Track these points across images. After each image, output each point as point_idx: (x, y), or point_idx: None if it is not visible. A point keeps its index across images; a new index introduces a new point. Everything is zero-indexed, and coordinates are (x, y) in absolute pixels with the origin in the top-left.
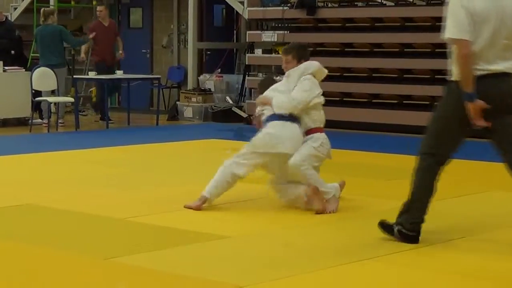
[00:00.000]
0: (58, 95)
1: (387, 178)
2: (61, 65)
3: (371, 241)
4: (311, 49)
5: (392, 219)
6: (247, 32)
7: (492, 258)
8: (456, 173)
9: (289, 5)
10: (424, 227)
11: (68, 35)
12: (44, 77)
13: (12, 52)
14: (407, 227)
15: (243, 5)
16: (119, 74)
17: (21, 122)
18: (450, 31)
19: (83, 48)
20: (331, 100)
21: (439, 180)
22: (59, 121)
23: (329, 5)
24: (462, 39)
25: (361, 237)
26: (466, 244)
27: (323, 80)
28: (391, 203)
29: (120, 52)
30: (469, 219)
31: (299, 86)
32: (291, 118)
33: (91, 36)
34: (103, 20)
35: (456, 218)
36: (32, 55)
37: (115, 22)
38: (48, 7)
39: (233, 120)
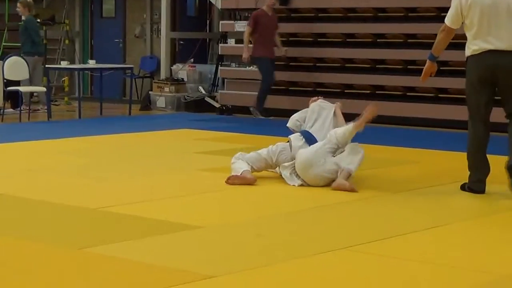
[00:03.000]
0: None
1: (367, 168)
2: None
3: (345, 231)
4: (284, 39)
5: (362, 211)
6: (220, 22)
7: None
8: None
9: None
10: (400, 216)
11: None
12: (16, 67)
13: None
14: None
15: None
16: (91, 63)
17: None
18: None
19: (245, 42)
20: (303, 90)
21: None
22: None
23: None
24: None
25: (335, 227)
26: (435, 233)
27: (297, 71)
28: (368, 192)
29: (285, 49)
30: (439, 209)
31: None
32: None
33: (250, 26)
34: (268, 9)
35: (426, 208)
36: (4, 44)
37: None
38: None
39: (206, 110)
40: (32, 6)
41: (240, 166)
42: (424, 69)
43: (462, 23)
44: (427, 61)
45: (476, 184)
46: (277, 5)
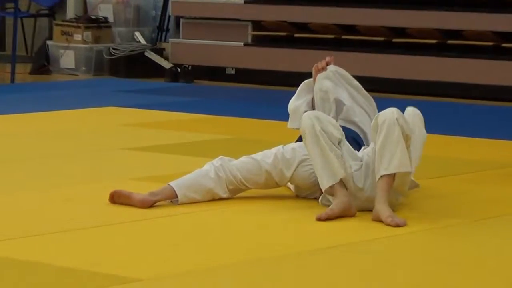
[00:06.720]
0: None
1: (434, 176)
2: None
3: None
4: None
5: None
6: None
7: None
8: None
9: None
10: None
11: None
12: None
13: None
14: None
15: None
16: None
17: None
18: None
19: None
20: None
21: None
22: None
23: None
24: None
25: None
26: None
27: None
28: (434, 221)
29: None
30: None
31: None
32: None
33: None
34: None
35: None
36: None
37: None
38: None
39: (146, 73)
40: None
41: (177, 181)
42: None
43: None
44: None
45: None
46: None
